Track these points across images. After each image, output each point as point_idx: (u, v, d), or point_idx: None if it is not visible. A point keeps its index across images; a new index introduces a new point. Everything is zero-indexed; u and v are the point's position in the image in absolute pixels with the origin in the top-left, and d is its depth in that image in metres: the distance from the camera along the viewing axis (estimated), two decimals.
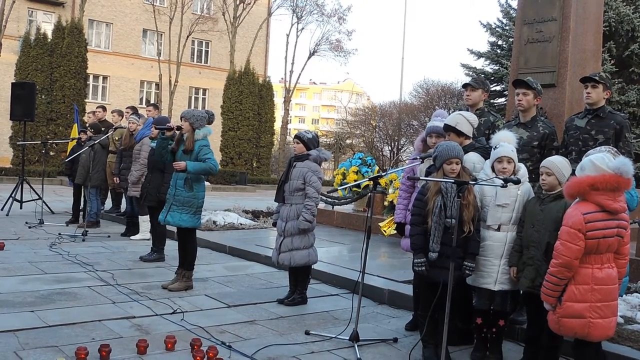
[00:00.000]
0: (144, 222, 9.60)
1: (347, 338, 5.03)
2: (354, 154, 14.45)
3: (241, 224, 11.59)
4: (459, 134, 5.12)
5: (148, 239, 9.23)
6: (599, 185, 4.02)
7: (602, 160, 4.10)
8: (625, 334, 5.08)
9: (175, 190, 6.60)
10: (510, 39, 22.64)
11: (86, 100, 27.62)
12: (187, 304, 6.08)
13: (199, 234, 8.39)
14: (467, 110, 6.09)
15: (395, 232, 6.08)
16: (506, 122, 6.22)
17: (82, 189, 11.38)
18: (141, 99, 39.58)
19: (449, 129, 5.16)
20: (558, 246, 4.12)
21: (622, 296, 5.60)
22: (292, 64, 40.18)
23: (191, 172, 6.45)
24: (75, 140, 11.93)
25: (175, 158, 6.61)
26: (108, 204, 12.62)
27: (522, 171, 4.80)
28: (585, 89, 5.56)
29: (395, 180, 10.88)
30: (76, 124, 13.54)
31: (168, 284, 6.69)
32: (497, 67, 24.86)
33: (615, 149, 4.76)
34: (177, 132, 6.72)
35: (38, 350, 4.50)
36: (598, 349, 4.41)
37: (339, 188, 11.82)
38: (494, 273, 4.71)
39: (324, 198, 12.49)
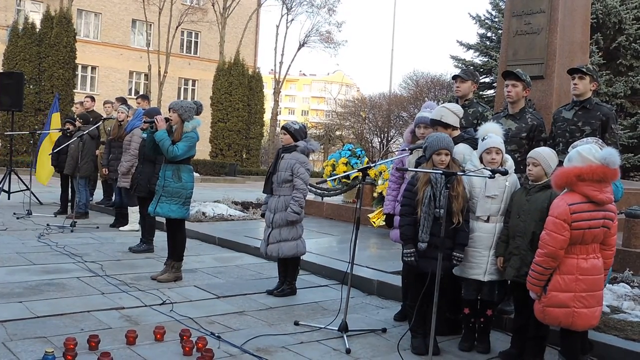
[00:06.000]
0: (134, 213, 9.58)
1: (336, 328, 5.06)
2: (344, 145, 14.44)
3: (230, 215, 11.58)
4: (446, 126, 5.14)
5: (137, 230, 9.22)
6: (585, 175, 4.05)
7: (589, 151, 4.14)
8: (612, 323, 5.13)
9: (164, 182, 6.59)
10: (500, 31, 22.70)
11: (75, 91, 27.41)
12: (176, 294, 6.08)
13: (189, 225, 8.37)
14: (457, 101, 6.12)
15: (384, 223, 6.09)
16: (495, 114, 6.25)
17: (71, 180, 11.33)
18: (130, 90, 39.39)
19: (435, 123, 5.18)
20: (544, 236, 4.16)
21: (605, 286, 5.64)
22: (282, 55, 40.13)
23: (156, 138, 6.42)
24: (61, 132, 11.81)
25: None
26: (99, 195, 12.58)
27: (510, 162, 4.83)
28: (572, 80, 5.59)
29: (384, 171, 10.90)
30: (58, 113, 13.34)
31: (157, 275, 6.69)
32: (486, 59, 24.96)
33: (601, 140, 4.81)
34: (167, 124, 6.69)
35: (26, 341, 4.49)
36: (584, 338, 4.46)
37: (328, 179, 11.82)
38: (483, 264, 4.74)
39: (314, 189, 12.50)
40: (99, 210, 12.07)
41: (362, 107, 45.32)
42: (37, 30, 25.78)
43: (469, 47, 26.08)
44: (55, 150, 11.46)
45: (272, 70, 45.01)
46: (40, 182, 12.66)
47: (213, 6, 35.69)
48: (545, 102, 7.35)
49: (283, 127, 6.45)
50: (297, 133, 6.34)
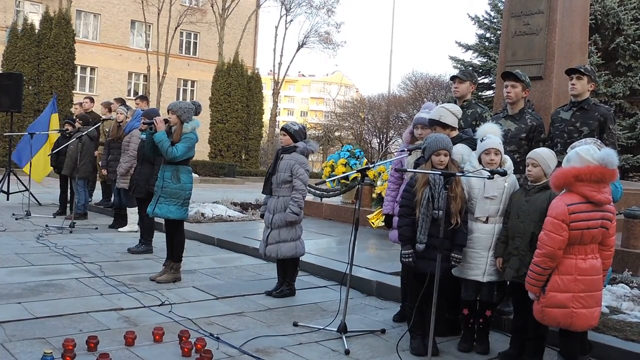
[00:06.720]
0: (132, 213, 9.57)
1: (335, 329, 5.06)
2: (343, 146, 14.44)
3: (229, 216, 11.57)
4: (445, 126, 5.14)
5: (136, 231, 9.21)
6: (583, 176, 4.05)
7: (587, 151, 4.14)
8: (611, 324, 5.14)
9: (162, 182, 6.58)
10: (498, 32, 22.71)
11: (74, 92, 27.40)
12: (175, 295, 6.08)
13: (188, 226, 8.38)
14: (455, 102, 6.12)
15: (383, 224, 6.09)
16: (494, 114, 6.25)
17: (69, 181, 11.32)
18: (129, 91, 39.39)
19: (434, 122, 5.18)
20: (542, 236, 4.16)
21: (605, 287, 5.65)
22: (281, 56, 40.14)
23: (155, 139, 6.44)
24: (60, 133, 11.80)
25: None
26: (97, 195, 12.57)
27: (508, 163, 4.83)
28: (570, 80, 5.58)
29: (383, 172, 10.90)
30: (56, 114, 13.32)
31: (156, 276, 6.68)
32: (485, 60, 24.96)
33: (600, 141, 4.81)
34: (166, 125, 6.69)
35: (25, 342, 4.49)
36: (583, 339, 4.46)
37: (327, 180, 11.82)
38: (482, 265, 4.75)
39: (313, 190, 12.50)
40: (98, 211, 12.06)
41: (361, 108, 45.32)
42: (36, 31, 25.77)
43: (467, 47, 26.09)
44: (54, 151, 11.46)
45: (271, 71, 45.06)
46: (34, 179, 12.58)
47: (212, 7, 35.70)
48: (544, 103, 7.35)
49: (282, 128, 6.45)
50: (297, 134, 6.34)
